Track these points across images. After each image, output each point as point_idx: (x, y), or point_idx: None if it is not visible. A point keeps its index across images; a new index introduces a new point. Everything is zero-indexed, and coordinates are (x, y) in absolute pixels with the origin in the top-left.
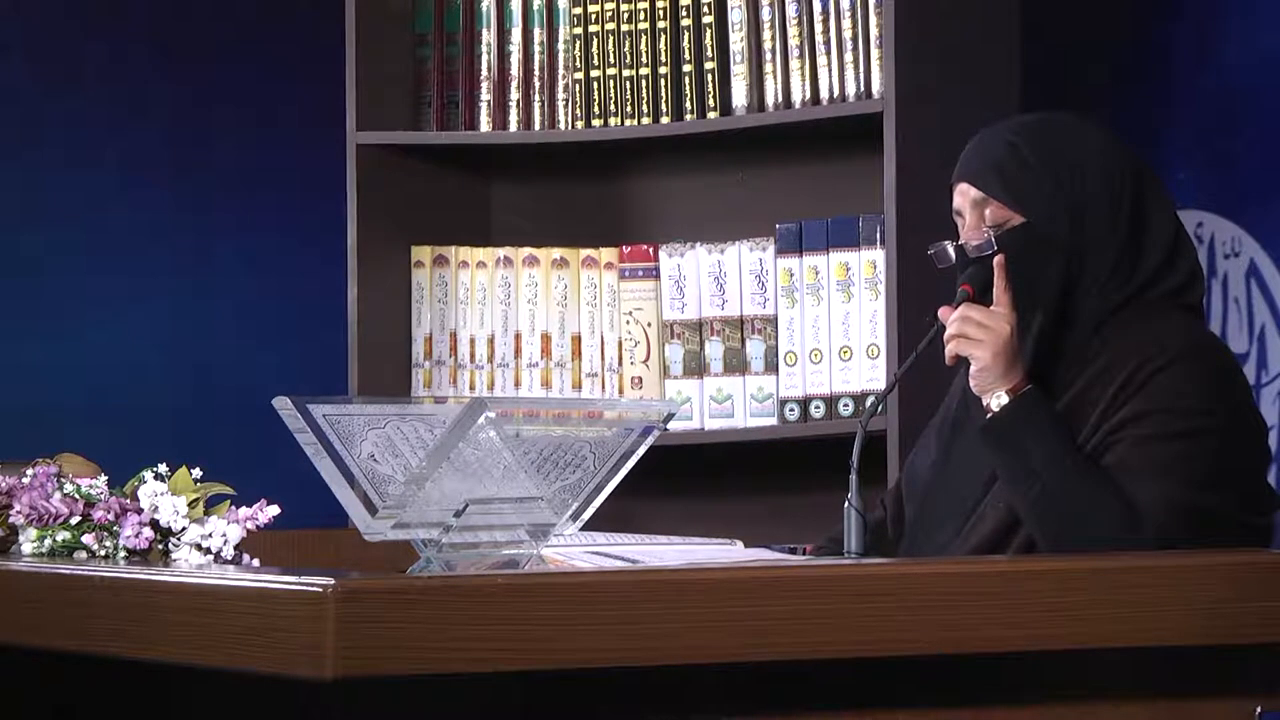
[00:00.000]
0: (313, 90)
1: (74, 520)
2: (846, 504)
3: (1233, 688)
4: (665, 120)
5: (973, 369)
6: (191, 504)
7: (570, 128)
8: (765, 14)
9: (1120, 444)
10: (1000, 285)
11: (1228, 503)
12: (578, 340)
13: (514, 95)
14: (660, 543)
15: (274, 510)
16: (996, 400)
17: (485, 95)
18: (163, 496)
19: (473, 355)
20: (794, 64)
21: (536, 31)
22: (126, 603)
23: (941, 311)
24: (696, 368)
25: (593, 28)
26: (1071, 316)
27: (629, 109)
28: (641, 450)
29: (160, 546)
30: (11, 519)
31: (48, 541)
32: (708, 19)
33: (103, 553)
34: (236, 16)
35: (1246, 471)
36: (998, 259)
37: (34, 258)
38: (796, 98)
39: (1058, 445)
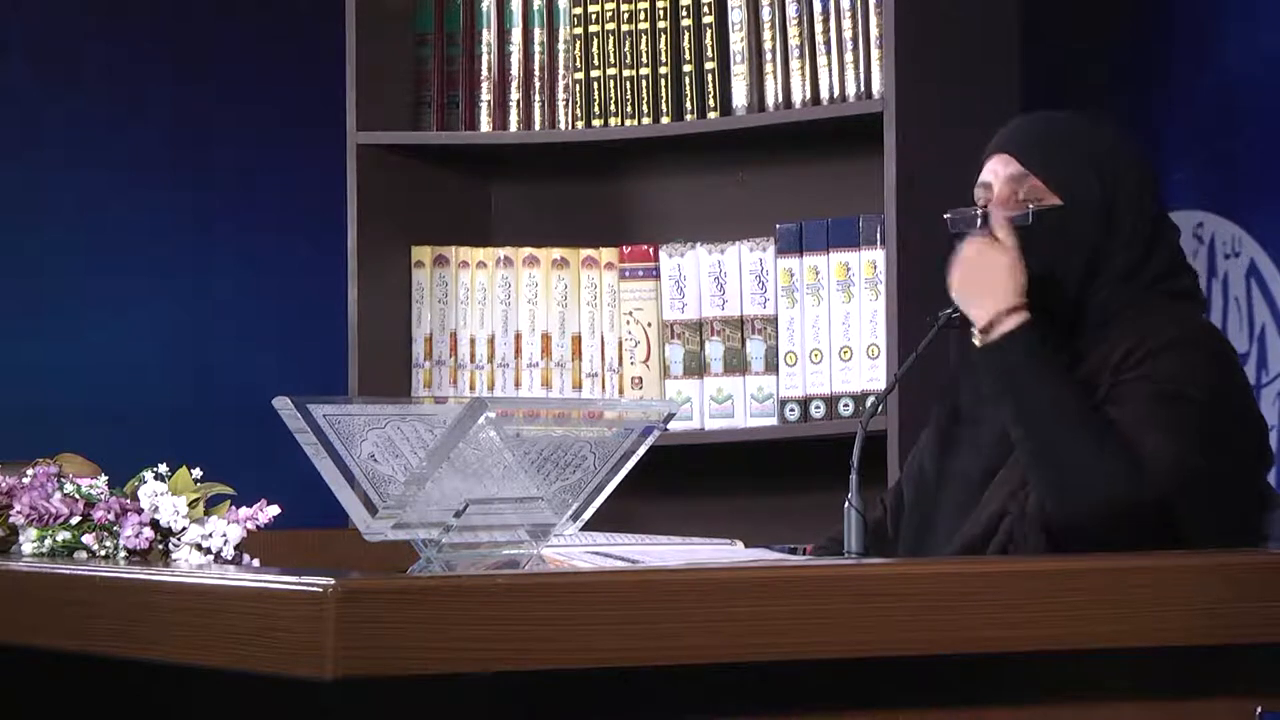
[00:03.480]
0: (313, 90)
1: (74, 520)
2: (846, 504)
3: (1233, 688)
4: (665, 120)
5: (954, 276)
6: (191, 504)
7: (570, 128)
8: (765, 14)
9: (1119, 400)
10: (997, 220)
11: (1223, 467)
12: (578, 340)
13: (514, 95)
14: (660, 543)
15: (274, 510)
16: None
17: (485, 95)
18: (163, 496)
19: (473, 355)
20: (794, 64)
21: (536, 31)
22: (126, 603)
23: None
24: (696, 368)
25: (593, 28)
26: (1081, 310)
27: (629, 109)
28: (641, 450)
29: (160, 546)
30: (11, 519)
31: (48, 541)
32: (708, 19)
33: (103, 553)
34: (236, 16)
35: (1241, 453)
36: (992, 207)
37: (34, 258)
38: (796, 98)
39: (1058, 389)
